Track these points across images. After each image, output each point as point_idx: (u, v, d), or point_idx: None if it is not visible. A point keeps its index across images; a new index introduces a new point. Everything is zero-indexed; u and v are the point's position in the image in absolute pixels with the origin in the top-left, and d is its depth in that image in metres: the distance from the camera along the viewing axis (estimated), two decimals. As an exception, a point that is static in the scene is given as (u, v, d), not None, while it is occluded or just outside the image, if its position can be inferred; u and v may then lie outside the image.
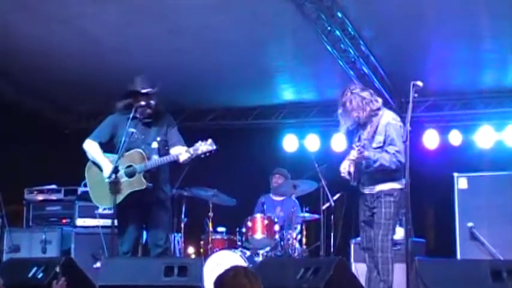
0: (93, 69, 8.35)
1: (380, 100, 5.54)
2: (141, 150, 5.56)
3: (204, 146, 5.35)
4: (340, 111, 5.55)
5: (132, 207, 5.63)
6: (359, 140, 5.51)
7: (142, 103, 5.63)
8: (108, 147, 5.83)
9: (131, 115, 5.60)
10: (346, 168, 5.45)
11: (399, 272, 6.41)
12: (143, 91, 5.62)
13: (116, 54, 7.89)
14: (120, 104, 5.73)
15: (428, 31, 7.26)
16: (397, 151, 5.29)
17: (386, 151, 5.34)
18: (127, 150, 5.57)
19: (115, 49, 7.75)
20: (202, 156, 5.41)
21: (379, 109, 5.47)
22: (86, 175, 5.85)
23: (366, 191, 5.49)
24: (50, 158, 9.27)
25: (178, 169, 6.43)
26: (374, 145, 5.41)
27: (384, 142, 5.37)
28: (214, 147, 5.39)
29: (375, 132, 5.42)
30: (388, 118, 5.41)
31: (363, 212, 5.54)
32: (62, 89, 9.17)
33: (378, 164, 5.31)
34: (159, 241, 5.71)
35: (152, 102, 5.64)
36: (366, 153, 5.30)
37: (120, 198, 5.52)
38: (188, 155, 5.40)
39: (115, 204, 5.44)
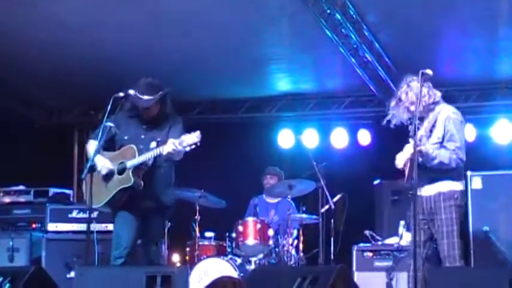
0: (63, 58, 8.32)
1: (438, 94, 5.61)
2: (133, 146, 5.70)
3: (190, 138, 5.40)
4: (393, 104, 5.64)
5: (127, 209, 5.76)
6: (414, 135, 5.56)
7: (121, 94, 5.73)
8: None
9: (109, 107, 5.67)
10: (401, 161, 5.48)
11: (406, 282, 6.45)
12: (143, 100, 5.73)
13: (88, 41, 7.86)
14: (122, 104, 5.91)
15: (439, 15, 7.28)
16: (457, 147, 5.37)
17: (445, 147, 5.39)
18: (121, 147, 5.75)
19: (86, 36, 7.71)
20: (188, 148, 5.45)
21: (437, 103, 5.55)
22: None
23: (422, 192, 5.51)
24: (17, 156, 9.24)
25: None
26: (432, 141, 5.46)
27: (443, 138, 5.43)
28: (199, 138, 5.42)
29: (433, 126, 5.47)
30: (447, 112, 5.49)
31: (418, 216, 5.57)
32: (28, 79, 9.12)
33: (436, 161, 5.36)
34: (147, 252, 5.85)
35: (151, 107, 5.76)
36: (423, 148, 5.34)
37: (109, 196, 5.68)
38: (173, 146, 5.44)
39: (91, 205, 5.55)
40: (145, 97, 5.73)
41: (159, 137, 5.73)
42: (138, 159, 5.62)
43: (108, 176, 5.69)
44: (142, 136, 5.82)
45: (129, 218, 5.77)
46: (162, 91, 5.79)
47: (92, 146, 5.88)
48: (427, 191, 5.47)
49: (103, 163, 5.70)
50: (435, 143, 5.44)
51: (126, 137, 5.77)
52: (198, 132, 5.44)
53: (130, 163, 5.64)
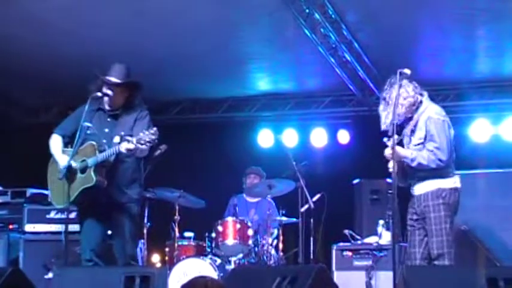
0: (42, 57, 8.27)
1: (425, 93, 5.64)
2: (93, 143, 5.57)
3: (147, 136, 5.33)
4: (381, 107, 5.65)
5: (90, 208, 5.66)
6: (392, 135, 5.59)
7: (99, 94, 5.64)
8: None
9: (87, 107, 5.60)
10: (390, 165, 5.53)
11: (385, 281, 6.47)
12: (107, 79, 5.65)
13: (69, 39, 7.81)
14: (91, 90, 5.73)
15: (418, 15, 7.31)
16: (436, 147, 5.37)
17: (426, 148, 5.42)
18: (83, 144, 5.59)
19: (67, 34, 7.67)
20: (147, 145, 5.37)
21: (420, 103, 5.56)
22: (48, 172, 5.89)
23: (413, 192, 5.56)
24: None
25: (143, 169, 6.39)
26: (414, 142, 5.51)
27: (425, 138, 5.45)
28: (157, 136, 5.36)
29: (415, 127, 5.53)
30: (429, 112, 5.50)
31: (409, 215, 5.61)
32: (5, 78, 9.01)
33: (415, 163, 5.39)
34: (121, 250, 5.71)
35: (109, 92, 5.64)
36: (402, 152, 5.39)
37: (73, 196, 5.53)
38: (131, 145, 5.33)
39: (68, 207, 5.43)
40: (113, 79, 5.63)
41: (123, 131, 5.60)
42: (98, 157, 5.49)
43: (71, 174, 5.52)
44: (106, 130, 5.68)
45: (93, 219, 5.67)
46: (132, 80, 5.70)
47: (55, 140, 5.79)
48: (417, 190, 5.51)
49: (64, 163, 5.56)
50: (417, 144, 5.48)
51: (89, 131, 5.58)
52: (154, 129, 5.36)
53: (91, 161, 5.51)
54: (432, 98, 9.17)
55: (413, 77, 5.37)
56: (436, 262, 5.36)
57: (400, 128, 5.62)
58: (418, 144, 5.47)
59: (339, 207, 8.08)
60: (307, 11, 7.09)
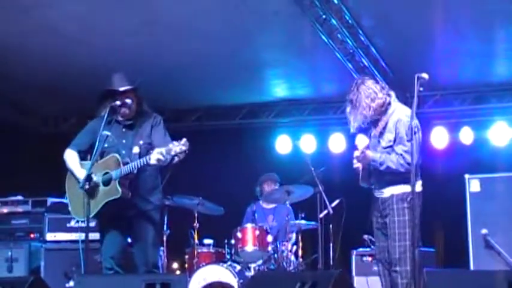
0: (57, 67, 8.32)
1: (393, 94, 5.57)
2: (116, 155, 5.54)
3: (178, 147, 5.27)
4: (348, 109, 5.60)
5: (112, 219, 5.63)
6: (370, 138, 5.57)
7: (118, 103, 5.64)
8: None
9: (106, 117, 5.60)
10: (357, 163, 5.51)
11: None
12: (120, 89, 5.65)
13: (83, 49, 7.86)
14: (100, 106, 5.73)
15: (435, 19, 7.29)
16: (405, 151, 5.30)
17: (395, 151, 5.37)
18: (103, 156, 5.59)
19: (81, 43, 7.71)
20: (176, 158, 5.35)
21: (389, 104, 5.49)
22: (66, 186, 5.87)
23: (377, 194, 5.53)
24: (15, 166, 9.24)
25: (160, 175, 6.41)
26: (383, 144, 5.45)
27: (394, 141, 5.40)
28: (187, 146, 5.30)
29: (384, 129, 5.46)
30: (399, 114, 5.42)
31: (375, 218, 5.59)
32: (23, 89, 9.09)
33: (384, 166, 5.35)
34: (143, 258, 5.68)
35: (128, 101, 5.65)
36: (371, 154, 5.35)
37: (96, 208, 5.51)
38: (159, 156, 5.28)
39: (88, 216, 5.42)
40: (122, 88, 5.63)
41: (141, 140, 5.60)
42: (123, 169, 5.44)
43: (93, 188, 5.47)
44: (124, 141, 5.66)
45: (113, 228, 5.65)
46: (136, 81, 5.70)
47: (71, 155, 5.75)
48: (381, 193, 5.47)
49: (83, 176, 5.50)
50: (386, 146, 5.42)
51: (106, 144, 5.54)
52: (184, 140, 5.28)
53: (115, 174, 5.47)
54: (450, 101, 9.33)
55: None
56: (397, 268, 5.27)
57: (364, 131, 5.61)
58: (387, 147, 5.41)
59: (358, 213, 8.03)
60: (323, 16, 7.10)
